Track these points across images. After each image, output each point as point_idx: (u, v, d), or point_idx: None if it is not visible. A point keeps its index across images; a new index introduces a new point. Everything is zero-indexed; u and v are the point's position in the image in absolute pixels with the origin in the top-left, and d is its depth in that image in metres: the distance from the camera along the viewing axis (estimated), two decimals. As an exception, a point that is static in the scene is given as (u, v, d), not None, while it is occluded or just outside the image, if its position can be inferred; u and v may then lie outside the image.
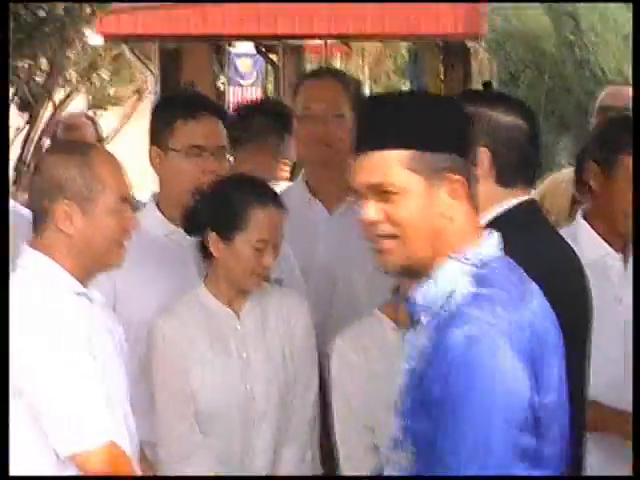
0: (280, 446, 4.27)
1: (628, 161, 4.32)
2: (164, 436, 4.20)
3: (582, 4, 17.20)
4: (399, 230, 2.87)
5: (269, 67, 25.62)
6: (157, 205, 4.55)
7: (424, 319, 2.91)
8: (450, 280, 2.88)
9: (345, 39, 24.62)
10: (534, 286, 2.97)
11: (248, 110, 6.05)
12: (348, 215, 4.86)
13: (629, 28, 17.01)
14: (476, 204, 2.94)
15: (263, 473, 4.25)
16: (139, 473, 3.89)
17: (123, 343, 4.00)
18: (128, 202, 3.85)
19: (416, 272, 2.91)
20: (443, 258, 2.88)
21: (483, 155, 3.47)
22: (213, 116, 4.53)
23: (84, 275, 3.84)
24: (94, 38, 21.11)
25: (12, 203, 5.15)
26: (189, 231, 4.27)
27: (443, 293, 2.88)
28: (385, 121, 2.91)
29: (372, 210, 2.89)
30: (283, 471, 4.27)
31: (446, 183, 2.86)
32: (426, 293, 2.90)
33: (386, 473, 3.02)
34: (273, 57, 24.24)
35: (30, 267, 3.84)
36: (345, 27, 22.27)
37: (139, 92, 23.56)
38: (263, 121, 5.72)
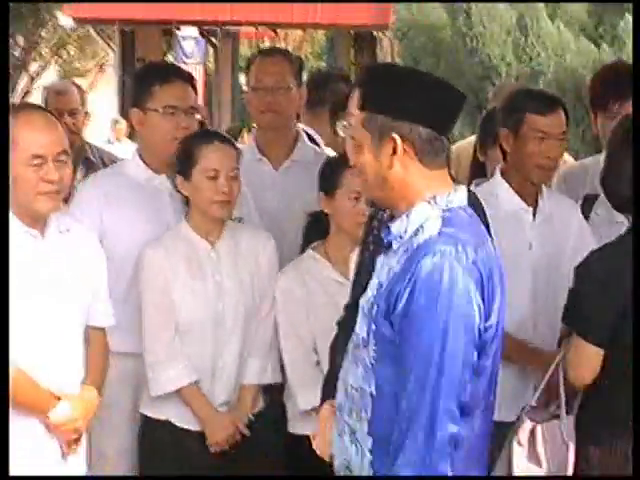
0: (245, 357, 4.25)
1: (531, 118, 4.31)
2: (150, 343, 4.17)
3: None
4: (360, 173, 2.96)
5: (210, 48, 25.49)
6: (140, 156, 4.50)
7: (395, 245, 2.93)
8: (420, 217, 2.89)
9: (272, 26, 24.53)
10: (485, 232, 3.02)
11: None
12: (290, 170, 4.91)
13: (510, 23, 17.09)
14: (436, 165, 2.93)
15: (231, 379, 4.22)
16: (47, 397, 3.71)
17: (92, 268, 3.88)
18: (42, 159, 3.64)
19: (386, 206, 3.04)
20: (413, 200, 2.91)
21: None
22: (184, 82, 4.50)
23: (29, 217, 3.70)
24: (64, 19, 20.88)
25: None
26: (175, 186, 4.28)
27: (413, 226, 2.90)
28: (356, 87, 2.98)
29: (350, 156, 3.00)
30: (248, 379, 4.26)
31: (389, 141, 2.87)
32: (399, 225, 2.93)
33: (347, 369, 3.04)
34: (213, 40, 24.11)
35: None
36: (274, 17, 22.18)
37: (101, 66, 23.40)
38: None
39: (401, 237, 2.92)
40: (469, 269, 2.81)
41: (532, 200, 4.42)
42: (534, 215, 4.41)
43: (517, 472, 3.73)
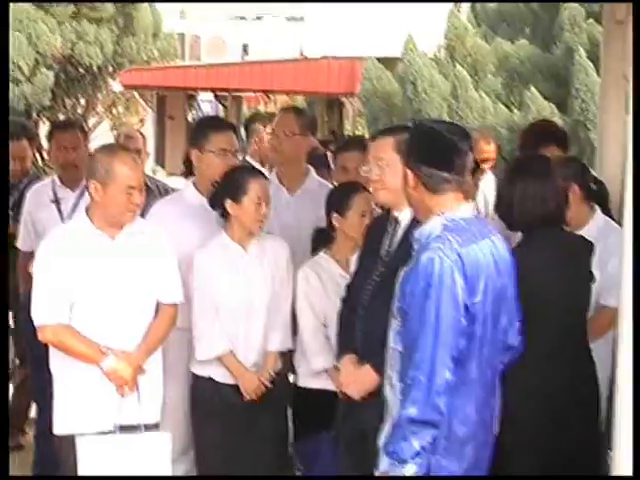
0: (269, 331, 4.25)
1: None
2: (195, 322, 4.19)
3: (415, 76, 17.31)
4: None
5: (221, 108, 25.52)
6: (194, 185, 4.51)
7: (415, 246, 3.09)
8: (431, 226, 3.06)
9: (266, 92, 24.63)
10: (493, 237, 3.11)
11: None
12: (301, 197, 4.88)
13: (446, 92, 17.15)
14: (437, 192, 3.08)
15: (258, 346, 4.21)
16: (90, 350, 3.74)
17: (160, 258, 3.92)
18: (133, 188, 3.76)
19: (418, 218, 3.18)
20: (428, 214, 3.08)
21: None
22: (232, 131, 4.49)
23: (105, 225, 3.80)
24: (115, 86, 20.88)
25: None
26: (212, 205, 4.27)
27: (427, 233, 3.05)
28: None
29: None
30: (271, 347, 4.25)
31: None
32: (419, 232, 3.09)
33: (389, 333, 3.11)
34: (225, 102, 24.18)
35: (74, 221, 3.92)
36: (269, 85, 22.28)
37: (141, 121, 23.33)
38: None
39: (418, 240, 3.07)
40: (454, 261, 2.93)
41: None
42: None
43: None
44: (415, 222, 3.42)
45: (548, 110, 15.66)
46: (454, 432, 2.95)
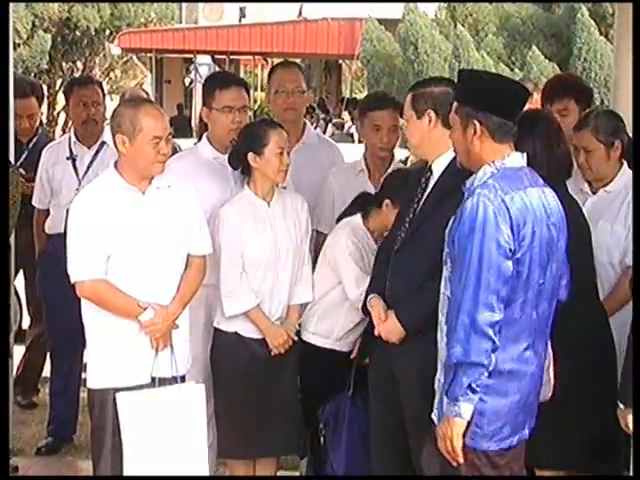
0: (294, 285, 4.27)
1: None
2: (225, 278, 4.18)
3: (417, 34, 17.25)
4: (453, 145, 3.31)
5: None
6: (208, 140, 4.49)
7: (466, 194, 3.12)
8: (482, 174, 3.11)
9: (264, 55, 24.55)
10: (544, 188, 3.14)
11: None
12: (304, 150, 4.79)
13: (447, 53, 17.12)
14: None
15: (284, 300, 4.23)
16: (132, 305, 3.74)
17: (189, 211, 3.91)
18: (159, 138, 3.74)
19: (467, 168, 3.22)
20: (482, 164, 3.12)
21: None
22: (238, 86, 4.46)
23: (135, 179, 3.80)
24: (113, 49, 20.81)
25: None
26: (234, 162, 4.23)
27: (476, 181, 3.11)
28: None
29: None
30: (295, 300, 4.27)
31: (471, 126, 3.13)
32: (470, 180, 3.14)
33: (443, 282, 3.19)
34: (223, 66, 24.10)
35: (104, 177, 3.87)
36: (267, 48, 22.20)
37: (139, 84, 23.33)
38: None
39: (469, 188, 3.12)
40: (498, 206, 3.00)
41: None
42: None
43: None
44: (448, 171, 3.50)
45: (550, 69, 15.62)
46: (498, 369, 3.03)
